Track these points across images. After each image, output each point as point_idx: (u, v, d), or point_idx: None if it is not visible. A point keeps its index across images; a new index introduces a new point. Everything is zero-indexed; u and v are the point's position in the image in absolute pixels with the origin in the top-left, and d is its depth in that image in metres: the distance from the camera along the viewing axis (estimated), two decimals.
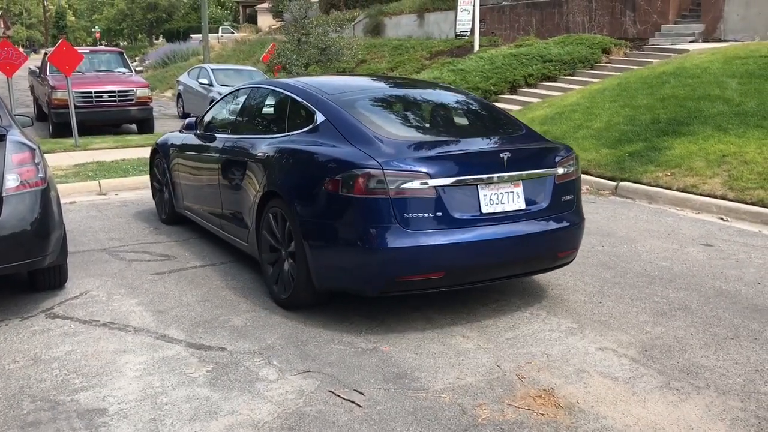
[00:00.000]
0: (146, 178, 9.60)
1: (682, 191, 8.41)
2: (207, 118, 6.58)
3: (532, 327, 4.54)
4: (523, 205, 4.51)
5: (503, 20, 24.00)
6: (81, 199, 8.60)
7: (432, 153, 4.39)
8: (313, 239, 4.44)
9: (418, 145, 4.50)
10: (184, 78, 20.51)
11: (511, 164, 4.44)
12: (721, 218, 7.63)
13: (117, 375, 3.84)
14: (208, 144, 6.15)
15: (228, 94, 6.54)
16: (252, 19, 54.95)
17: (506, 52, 18.25)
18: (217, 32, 47.67)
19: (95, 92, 14.94)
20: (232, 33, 48.67)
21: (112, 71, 16.60)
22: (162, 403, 3.53)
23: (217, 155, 5.86)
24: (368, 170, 4.15)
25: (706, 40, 16.89)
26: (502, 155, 4.45)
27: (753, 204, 7.71)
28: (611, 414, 3.44)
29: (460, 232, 4.24)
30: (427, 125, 5.26)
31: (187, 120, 6.75)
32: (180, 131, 6.94)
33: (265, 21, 49.46)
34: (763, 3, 15.92)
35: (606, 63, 17.04)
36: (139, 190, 9.24)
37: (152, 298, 5.06)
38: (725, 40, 16.42)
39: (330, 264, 4.46)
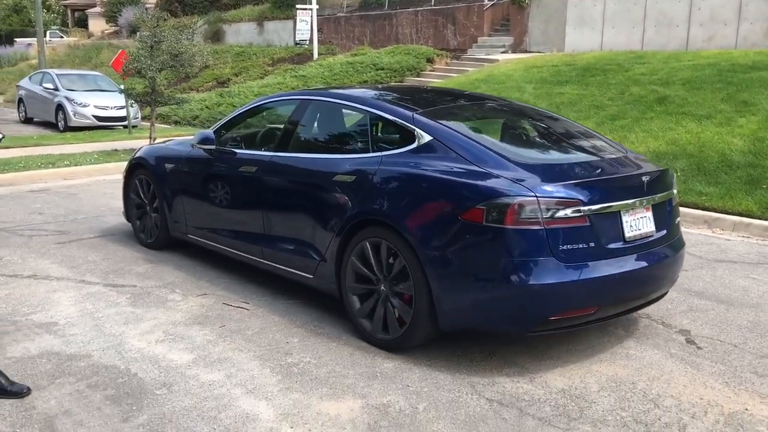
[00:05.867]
0: (9, 176, 10.27)
1: None
2: (228, 132, 5.88)
3: None
4: (653, 229, 4.25)
5: (339, 30, 25.86)
6: None
7: (579, 179, 4.02)
8: (443, 275, 3.95)
9: (559, 170, 4.14)
10: (25, 83, 20.54)
11: (648, 187, 4.25)
12: None
13: (55, 304, 5.00)
14: (238, 160, 5.46)
15: (253, 106, 5.88)
16: (82, 24, 53.23)
17: (343, 60, 20.06)
18: (45, 36, 46.03)
19: None
20: (62, 37, 47.20)
21: None
22: (99, 317, 4.77)
23: (259, 173, 5.19)
24: (520, 198, 3.73)
25: (514, 51, 19.54)
26: (643, 178, 4.24)
27: None
28: None
29: (612, 263, 3.95)
30: (541, 145, 4.88)
31: (203, 133, 5.79)
32: (192, 145, 5.95)
33: (96, 25, 48.26)
34: (559, 20, 18.78)
35: (430, 71, 19.27)
36: (4, 186, 9.91)
37: (62, 259, 6.14)
38: (530, 51, 19.15)
39: (465, 302, 3.96)
